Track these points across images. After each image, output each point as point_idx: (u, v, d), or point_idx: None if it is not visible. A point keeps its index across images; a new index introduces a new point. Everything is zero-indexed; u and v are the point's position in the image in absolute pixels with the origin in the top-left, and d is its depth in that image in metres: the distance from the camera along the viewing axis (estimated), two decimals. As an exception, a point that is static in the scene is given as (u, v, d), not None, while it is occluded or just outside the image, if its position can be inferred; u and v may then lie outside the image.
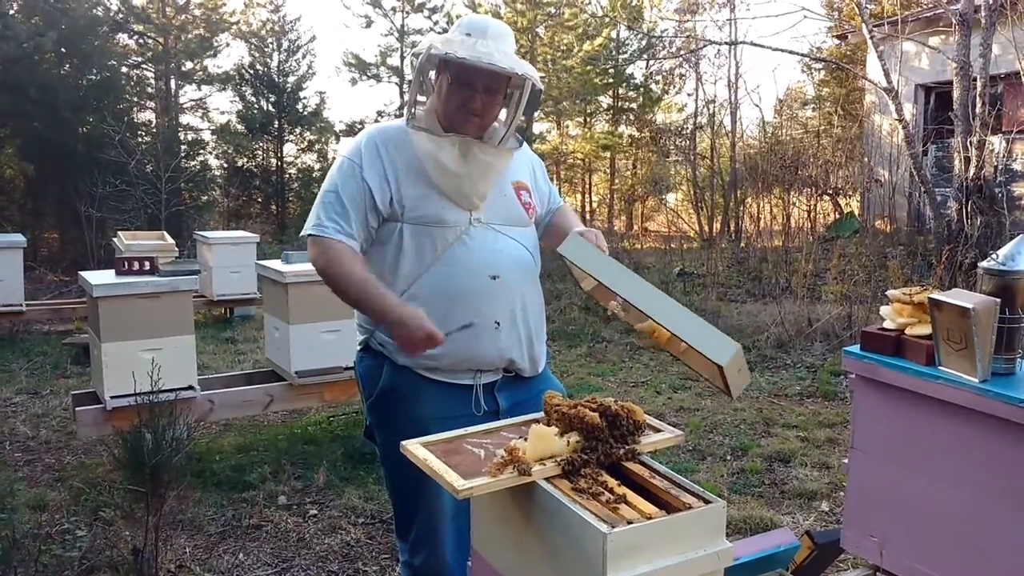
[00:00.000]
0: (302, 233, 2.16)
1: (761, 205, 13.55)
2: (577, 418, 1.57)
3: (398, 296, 2.07)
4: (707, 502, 1.42)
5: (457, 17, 17.82)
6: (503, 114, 2.22)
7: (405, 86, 17.38)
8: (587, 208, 21.02)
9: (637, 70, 20.80)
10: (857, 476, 2.21)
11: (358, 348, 2.27)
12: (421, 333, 1.98)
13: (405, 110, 2.11)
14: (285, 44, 16.65)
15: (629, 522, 1.35)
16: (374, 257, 2.16)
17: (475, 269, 2.10)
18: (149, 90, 16.07)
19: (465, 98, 2.09)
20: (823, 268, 8.96)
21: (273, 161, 16.45)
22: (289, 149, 16.65)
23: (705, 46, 16.21)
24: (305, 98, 16.61)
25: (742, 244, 12.73)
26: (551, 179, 2.56)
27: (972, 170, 8.81)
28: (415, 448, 1.62)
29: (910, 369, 2.01)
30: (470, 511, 1.88)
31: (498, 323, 2.11)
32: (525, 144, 2.31)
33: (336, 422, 4.88)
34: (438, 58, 2.05)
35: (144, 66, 15.98)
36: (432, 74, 2.15)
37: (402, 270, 2.11)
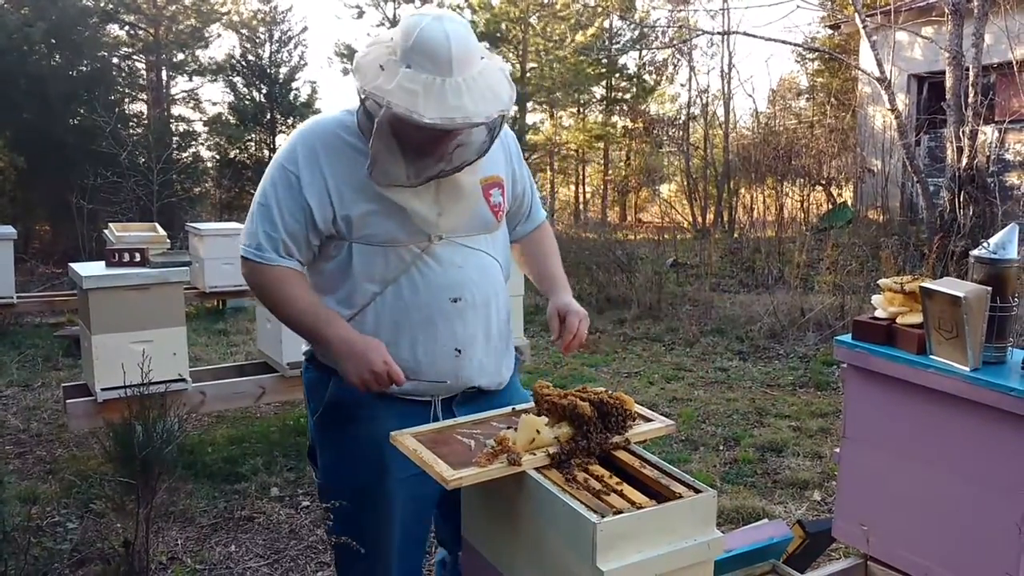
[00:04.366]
0: (240, 252, 1.89)
1: (754, 195, 13.58)
2: (568, 408, 1.57)
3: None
4: (697, 491, 1.42)
5: (456, 6, 17.77)
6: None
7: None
8: (581, 199, 21.01)
9: (630, 60, 20.78)
10: (848, 465, 2.21)
11: (303, 357, 2.03)
12: (383, 369, 1.76)
13: (368, 164, 1.76)
14: (277, 34, 16.56)
15: (619, 512, 1.35)
16: (317, 274, 1.92)
17: (434, 293, 1.86)
18: (140, 81, 15.98)
19: (437, 137, 1.75)
20: (816, 258, 8.97)
21: (265, 152, 16.34)
22: (281, 140, 16.56)
23: (698, 36, 16.18)
24: (297, 89, 16.56)
25: (735, 234, 12.76)
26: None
27: (965, 160, 8.82)
28: (405, 438, 1.61)
29: (901, 358, 2.01)
30: (417, 544, 1.84)
31: (459, 351, 1.89)
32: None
33: (329, 414, 4.87)
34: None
35: (135, 57, 15.90)
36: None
37: (348, 293, 1.87)
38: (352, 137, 1.84)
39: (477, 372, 1.93)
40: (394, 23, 17.54)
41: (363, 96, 1.75)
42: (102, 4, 14.68)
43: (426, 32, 1.68)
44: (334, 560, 2.17)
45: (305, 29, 21.21)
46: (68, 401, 4.06)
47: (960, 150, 8.86)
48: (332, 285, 1.89)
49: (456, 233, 1.89)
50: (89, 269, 4.17)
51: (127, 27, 15.75)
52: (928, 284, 1.93)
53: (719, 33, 15.37)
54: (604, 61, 19.60)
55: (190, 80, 16.63)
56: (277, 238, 1.84)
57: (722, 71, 18.96)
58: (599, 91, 20.70)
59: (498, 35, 18.09)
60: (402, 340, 1.85)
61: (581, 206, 20.28)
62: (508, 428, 1.61)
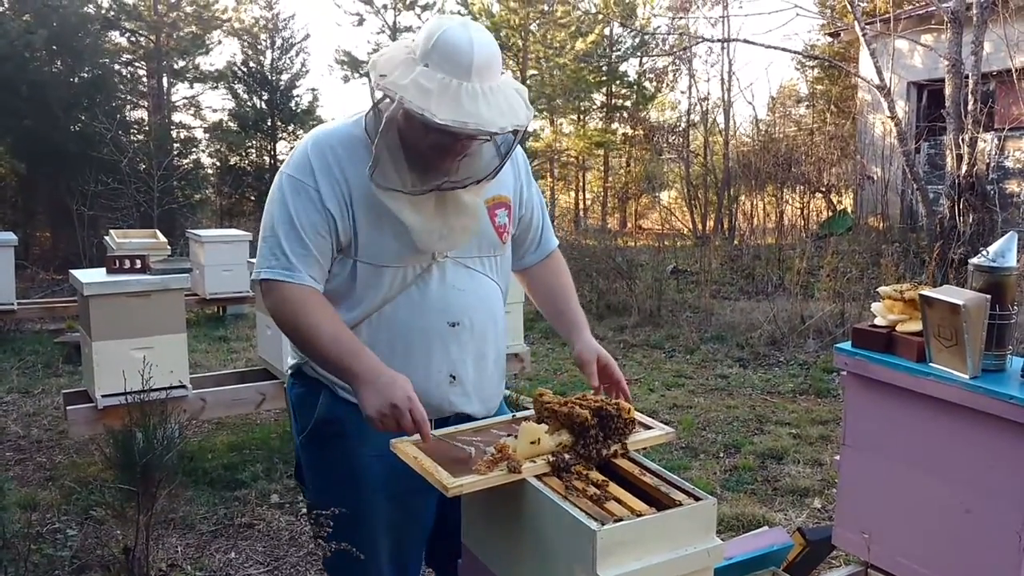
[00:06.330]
0: (252, 276, 1.79)
1: (754, 202, 13.58)
2: (567, 415, 1.57)
3: None
4: (697, 499, 1.42)
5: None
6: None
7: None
8: (581, 206, 21.03)
9: (630, 68, 20.83)
10: (848, 473, 2.21)
11: (288, 372, 1.95)
12: (405, 405, 1.58)
13: (370, 165, 1.69)
14: (278, 42, 16.61)
15: (619, 519, 1.35)
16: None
17: (432, 314, 1.78)
18: (141, 88, 16.01)
19: (444, 145, 1.68)
20: (816, 265, 8.97)
21: (266, 159, 16.39)
22: (282, 147, 16.59)
23: (698, 43, 16.20)
24: (298, 96, 16.60)
25: (735, 241, 12.77)
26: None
27: (964, 167, 8.83)
28: (405, 446, 1.61)
29: (901, 366, 2.01)
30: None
31: (453, 377, 1.82)
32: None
33: (329, 420, 4.87)
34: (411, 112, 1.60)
35: (136, 64, 15.94)
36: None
37: (346, 310, 1.78)
38: (359, 145, 1.75)
39: (469, 400, 1.87)
40: (394, 30, 17.58)
41: (376, 94, 1.67)
42: (103, 11, 14.73)
43: (449, 34, 1.62)
44: None
45: (307, 37, 21.31)
46: (68, 408, 4.06)
47: (960, 157, 8.87)
48: (332, 303, 1.79)
49: (460, 255, 1.82)
50: (90, 276, 4.18)
51: (128, 34, 15.81)
52: (927, 292, 1.93)
53: (719, 41, 15.40)
54: (604, 68, 19.65)
55: (191, 87, 16.69)
56: (309, 256, 1.72)
57: (722, 78, 19.00)
58: (599, 98, 20.76)
59: (498, 42, 18.15)
60: (395, 361, 1.72)
61: (581, 213, 20.31)
62: (508, 435, 1.61)
